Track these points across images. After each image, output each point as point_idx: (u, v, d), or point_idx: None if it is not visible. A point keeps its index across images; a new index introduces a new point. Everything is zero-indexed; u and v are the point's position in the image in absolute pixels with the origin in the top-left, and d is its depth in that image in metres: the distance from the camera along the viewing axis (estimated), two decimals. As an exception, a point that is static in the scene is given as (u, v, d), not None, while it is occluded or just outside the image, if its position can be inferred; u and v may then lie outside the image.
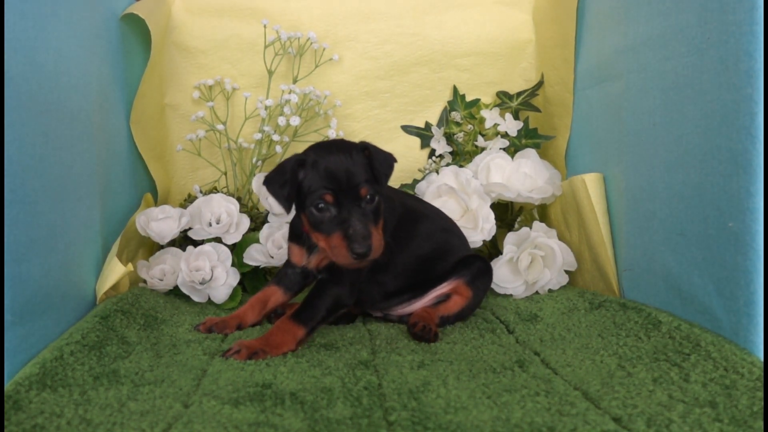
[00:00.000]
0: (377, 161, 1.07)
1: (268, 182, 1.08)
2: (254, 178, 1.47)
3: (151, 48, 1.50)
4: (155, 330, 1.12)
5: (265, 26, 1.62)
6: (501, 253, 1.38)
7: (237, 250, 1.42)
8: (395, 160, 1.12)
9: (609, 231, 1.27)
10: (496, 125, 1.62)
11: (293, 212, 1.11)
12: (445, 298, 1.22)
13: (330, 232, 1.02)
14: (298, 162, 1.06)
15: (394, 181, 1.70)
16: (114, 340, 1.01)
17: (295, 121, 1.57)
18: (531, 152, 1.52)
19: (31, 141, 0.92)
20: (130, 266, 1.24)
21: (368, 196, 1.03)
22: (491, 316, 1.25)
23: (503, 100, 1.68)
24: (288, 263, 1.22)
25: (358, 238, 0.99)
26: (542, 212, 1.60)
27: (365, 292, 1.20)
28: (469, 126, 1.66)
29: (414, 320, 1.12)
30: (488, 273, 1.26)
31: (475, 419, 0.72)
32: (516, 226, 1.56)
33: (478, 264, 1.25)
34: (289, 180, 1.04)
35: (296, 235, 1.18)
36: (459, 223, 1.42)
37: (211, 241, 1.40)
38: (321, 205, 1.03)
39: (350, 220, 1.00)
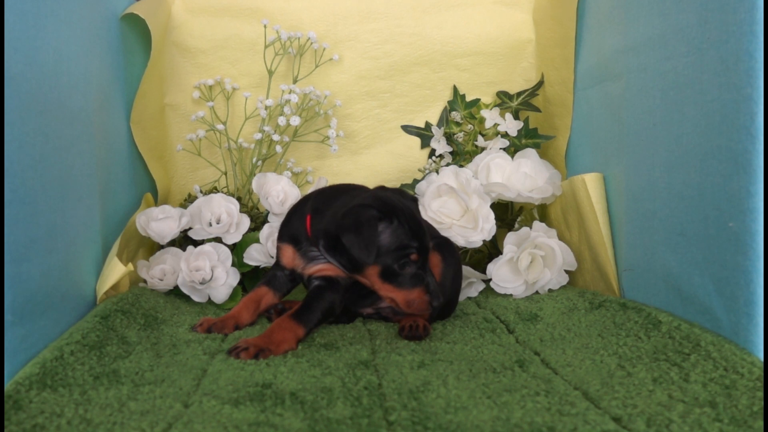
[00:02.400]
0: (419, 209, 1.16)
1: (348, 235, 1.04)
2: (254, 178, 1.47)
3: (151, 48, 1.50)
4: (155, 330, 1.12)
5: (265, 26, 1.62)
6: (501, 253, 1.38)
7: (237, 250, 1.42)
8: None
9: (609, 231, 1.27)
10: (496, 125, 1.62)
11: (282, 214, 1.13)
12: None
13: (407, 287, 1.07)
14: (375, 216, 1.05)
15: (395, 181, 1.71)
16: (114, 340, 1.01)
17: (295, 121, 1.57)
18: (531, 152, 1.52)
19: (31, 141, 0.92)
20: (130, 266, 1.24)
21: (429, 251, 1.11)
22: (491, 315, 1.25)
23: (503, 100, 1.68)
24: (277, 265, 1.22)
25: (437, 294, 1.08)
26: (542, 212, 1.60)
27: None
28: (469, 126, 1.66)
29: (402, 324, 1.13)
30: (448, 242, 1.28)
31: (475, 419, 0.72)
32: (516, 226, 1.56)
33: (437, 240, 1.26)
34: (368, 234, 1.03)
35: (292, 237, 1.18)
36: (459, 224, 1.42)
37: (211, 241, 1.40)
38: (405, 263, 1.07)
39: (425, 275, 1.09)
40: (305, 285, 1.22)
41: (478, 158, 1.52)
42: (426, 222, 1.32)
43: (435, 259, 1.21)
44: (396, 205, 1.08)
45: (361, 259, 1.04)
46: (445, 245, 1.25)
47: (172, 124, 1.69)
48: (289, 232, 1.19)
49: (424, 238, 1.09)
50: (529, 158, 1.50)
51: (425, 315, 1.14)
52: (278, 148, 1.60)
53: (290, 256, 1.18)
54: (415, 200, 1.20)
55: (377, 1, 1.70)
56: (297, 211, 1.21)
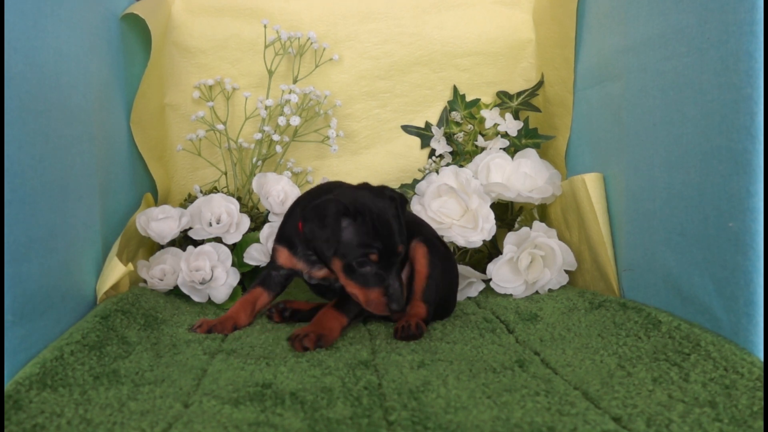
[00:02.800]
0: (402, 210, 1.12)
1: (309, 222, 1.07)
2: (254, 178, 1.47)
3: (151, 48, 1.50)
4: (155, 330, 1.12)
5: (265, 26, 1.62)
6: (501, 253, 1.38)
7: (237, 250, 1.42)
8: (407, 201, 1.18)
9: (609, 231, 1.27)
10: (496, 125, 1.62)
11: (282, 214, 1.13)
12: (411, 274, 1.22)
13: (368, 285, 1.06)
14: (341, 209, 1.05)
15: (395, 181, 1.71)
16: (114, 340, 1.01)
17: (295, 121, 1.57)
18: (531, 152, 1.52)
19: (31, 141, 0.92)
20: (130, 266, 1.24)
21: (400, 253, 1.09)
22: (491, 315, 1.25)
23: (503, 100, 1.68)
24: (273, 265, 1.23)
25: (396, 298, 1.05)
26: (542, 212, 1.60)
27: (331, 294, 1.22)
28: (469, 126, 1.66)
29: (396, 326, 1.13)
30: (439, 240, 1.28)
31: (475, 419, 0.72)
32: (516, 225, 1.56)
33: (426, 236, 1.26)
34: (331, 226, 1.04)
35: (286, 239, 1.20)
36: (459, 223, 1.42)
37: (211, 241, 1.40)
38: (364, 261, 1.06)
39: (389, 280, 1.06)
40: (310, 286, 1.25)
41: (478, 158, 1.52)
42: (419, 222, 1.32)
43: (420, 251, 1.21)
44: (364, 204, 1.07)
45: (320, 250, 1.07)
46: (434, 241, 1.25)
47: (172, 124, 1.69)
48: (283, 234, 1.21)
49: (390, 240, 1.06)
50: (529, 158, 1.50)
51: (420, 314, 1.14)
52: (278, 148, 1.60)
53: (286, 258, 1.20)
54: (399, 199, 1.14)
55: (377, 1, 1.70)
56: (291, 213, 1.21)
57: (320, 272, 1.18)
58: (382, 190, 1.14)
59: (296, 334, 1.04)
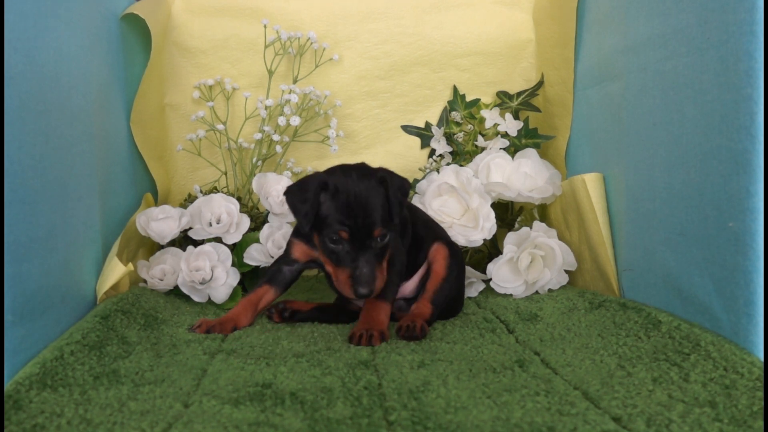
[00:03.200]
0: (395, 195, 1.09)
1: (289, 194, 1.10)
2: (254, 178, 1.47)
3: (151, 48, 1.50)
4: (155, 330, 1.12)
5: (265, 26, 1.62)
6: (501, 253, 1.38)
7: (237, 250, 1.42)
8: (410, 186, 1.15)
9: (609, 231, 1.27)
10: (496, 125, 1.62)
11: (282, 214, 1.13)
12: (426, 277, 1.22)
13: (338, 264, 1.06)
14: (321, 184, 1.07)
15: (394, 181, 1.71)
16: (114, 340, 1.01)
17: (295, 121, 1.57)
18: (531, 152, 1.52)
19: (31, 141, 0.92)
20: (130, 266, 1.24)
21: (380, 237, 1.06)
22: (491, 315, 1.25)
23: (503, 100, 1.68)
24: (286, 259, 1.21)
25: (363, 281, 1.03)
26: (542, 212, 1.60)
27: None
28: (469, 126, 1.66)
29: (399, 324, 1.12)
30: (456, 246, 1.28)
31: (475, 419, 0.72)
32: (516, 225, 1.56)
33: (448, 240, 1.28)
34: (311, 200, 1.06)
35: (305, 234, 1.17)
36: (459, 222, 1.42)
37: (211, 241, 1.40)
38: (335, 238, 1.05)
39: (359, 261, 1.04)
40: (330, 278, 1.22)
41: (478, 158, 1.52)
42: (420, 213, 1.33)
43: (441, 253, 1.22)
44: (346, 182, 1.07)
45: (298, 221, 1.09)
46: (454, 246, 1.27)
47: (172, 124, 1.69)
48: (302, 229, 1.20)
49: (365, 220, 1.04)
50: (529, 158, 1.50)
51: (425, 315, 1.14)
52: (278, 148, 1.60)
53: (303, 251, 1.19)
54: (393, 182, 1.10)
55: (377, 1, 1.70)
56: None
57: None
58: (375, 172, 1.11)
59: (359, 335, 1.04)
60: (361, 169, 1.12)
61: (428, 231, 1.28)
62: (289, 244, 1.22)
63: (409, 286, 1.25)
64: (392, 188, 1.09)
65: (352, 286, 1.04)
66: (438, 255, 1.22)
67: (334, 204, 1.05)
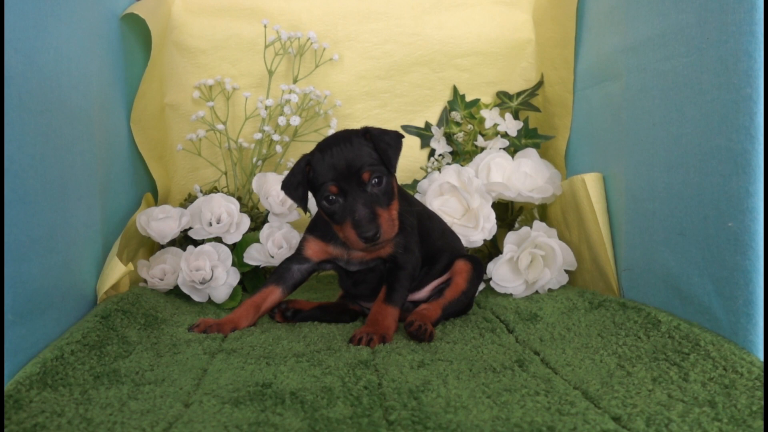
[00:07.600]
0: (382, 142, 1.08)
1: (285, 186, 1.12)
2: (254, 177, 1.47)
3: (151, 48, 1.50)
4: (156, 329, 1.12)
5: (265, 26, 1.62)
6: (501, 253, 1.38)
7: (237, 249, 1.42)
8: (402, 137, 1.13)
9: (609, 231, 1.27)
10: (496, 125, 1.62)
11: (282, 214, 1.15)
12: (444, 285, 1.24)
13: (342, 221, 1.05)
14: (306, 161, 1.09)
15: (394, 181, 1.71)
16: (114, 340, 1.01)
17: (295, 121, 1.57)
18: (531, 152, 1.52)
19: (31, 141, 0.93)
20: (130, 266, 1.24)
21: (374, 180, 1.05)
22: (491, 315, 1.25)
23: (503, 100, 1.68)
24: (298, 257, 1.20)
25: (363, 222, 1.01)
26: (542, 212, 1.60)
27: (365, 286, 1.21)
28: (469, 126, 1.66)
29: (410, 319, 1.11)
30: (481, 263, 1.29)
31: (475, 419, 0.73)
32: (516, 225, 1.56)
33: (472, 256, 1.30)
34: (301, 181, 1.08)
35: (320, 229, 1.17)
36: (460, 222, 1.42)
37: (212, 240, 1.40)
38: (330, 197, 1.05)
39: (355, 206, 1.03)
40: (348, 276, 1.22)
41: (478, 158, 1.52)
42: (436, 223, 1.32)
43: (465, 268, 1.23)
44: (327, 143, 1.08)
45: (295, 203, 1.10)
46: (475, 260, 1.27)
47: (172, 124, 1.69)
48: (316, 224, 1.20)
49: (348, 166, 1.03)
50: (529, 158, 1.51)
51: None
52: (278, 148, 1.60)
53: (317, 249, 1.18)
54: (376, 132, 1.09)
55: (377, 1, 1.70)
56: None
57: (357, 253, 1.15)
58: (362, 129, 1.10)
59: (358, 338, 1.03)
60: (346, 131, 1.13)
61: (445, 244, 1.29)
62: (302, 241, 1.20)
63: (420, 296, 1.26)
64: (377, 137, 1.08)
65: (356, 233, 1.02)
66: (462, 269, 1.23)
67: (319, 168, 1.06)
